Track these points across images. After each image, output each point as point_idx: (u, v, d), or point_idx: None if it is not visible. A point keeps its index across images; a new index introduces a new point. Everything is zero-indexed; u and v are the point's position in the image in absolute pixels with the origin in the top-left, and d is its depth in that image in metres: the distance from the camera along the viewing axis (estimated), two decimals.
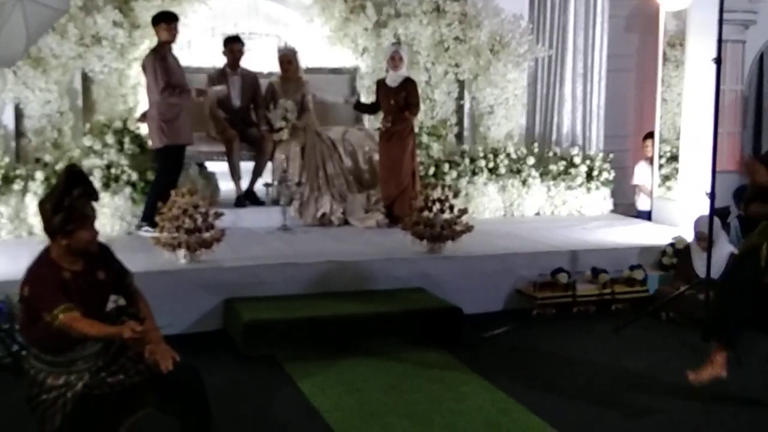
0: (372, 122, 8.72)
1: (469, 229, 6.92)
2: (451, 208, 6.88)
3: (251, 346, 5.67)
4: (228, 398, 4.84)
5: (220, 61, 8.30)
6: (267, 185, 8.10)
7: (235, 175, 8.15)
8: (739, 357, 5.65)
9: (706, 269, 6.22)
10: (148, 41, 7.86)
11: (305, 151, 8.25)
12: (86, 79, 8.04)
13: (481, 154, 8.78)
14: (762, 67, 10.01)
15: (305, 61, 8.60)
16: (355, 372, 5.41)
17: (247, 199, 8.18)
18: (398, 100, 7.97)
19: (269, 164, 8.27)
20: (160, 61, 7.20)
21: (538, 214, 9.10)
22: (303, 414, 4.76)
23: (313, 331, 5.84)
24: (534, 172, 8.97)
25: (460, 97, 8.99)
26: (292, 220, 7.92)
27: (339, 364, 5.54)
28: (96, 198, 3.62)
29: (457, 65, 8.78)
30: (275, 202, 8.01)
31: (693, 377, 4.94)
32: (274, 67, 8.50)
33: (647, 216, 9.09)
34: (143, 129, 7.77)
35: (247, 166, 8.23)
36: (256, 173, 8.26)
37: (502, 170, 8.83)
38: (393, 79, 8.02)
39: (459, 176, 8.63)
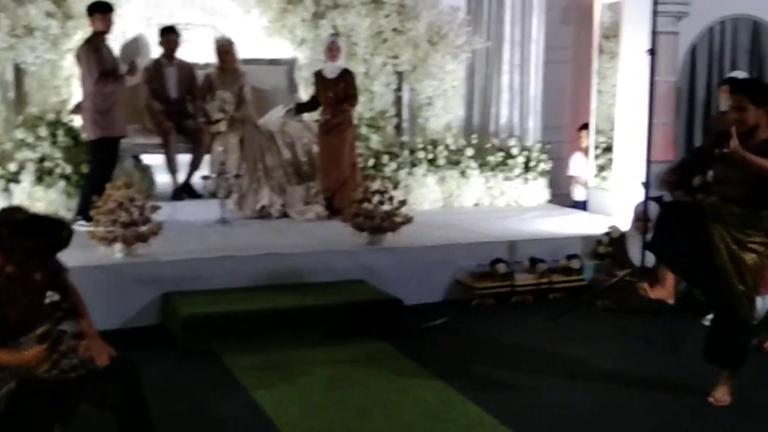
0: (311, 113, 8.66)
1: (408, 220, 6.93)
2: (391, 199, 6.89)
3: (190, 340, 5.62)
4: (167, 393, 4.78)
5: (155, 51, 8.17)
6: (204, 178, 8.00)
7: (172, 167, 8.04)
8: (674, 343, 5.79)
9: (641, 256, 6.33)
10: (81, 32, 7.71)
11: (243, 143, 8.17)
12: (18, 71, 7.85)
13: (420, 146, 8.80)
14: (694, 59, 10.19)
15: (243, 52, 8.51)
16: (296, 365, 5.38)
17: (184, 191, 8.08)
18: (336, 91, 7.94)
19: (207, 156, 8.16)
20: (94, 51, 7.07)
21: (476, 204, 9.15)
22: (243, 408, 4.72)
23: (252, 325, 5.80)
24: (472, 164, 9.02)
25: (399, 88, 8.99)
26: (231, 213, 7.84)
27: (280, 357, 5.51)
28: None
29: (395, 57, 8.78)
30: (213, 195, 7.91)
31: (645, 289, 4.95)
32: (211, 58, 8.39)
33: (583, 206, 9.21)
34: (77, 121, 7.62)
35: (184, 159, 8.12)
36: (194, 166, 8.15)
37: (441, 162, 8.86)
38: (331, 70, 7.99)
39: (398, 168, 8.64)
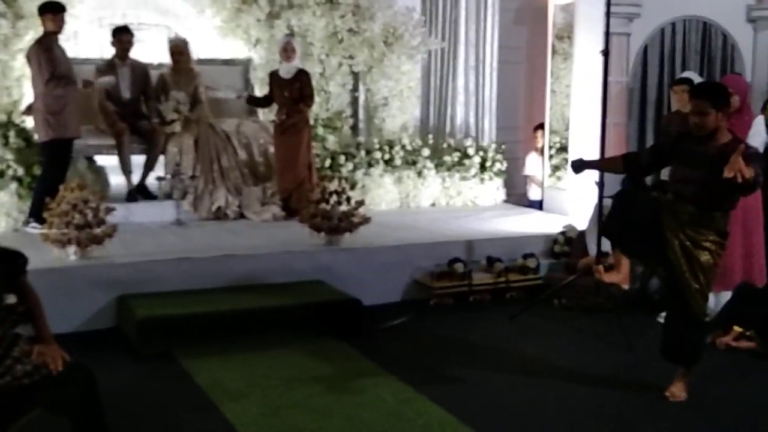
0: (266, 114, 8.63)
1: (366, 220, 6.94)
2: (348, 200, 6.88)
3: (146, 343, 5.55)
4: (123, 397, 4.72)
5: (108, 52, 8.07)
6: (159, 179, 7.94)
7: (126, 168, 7.95)
8: (630, 341, 5.86)
9: (596, 252, 6.42)
10: (32, 32, 7.59)
11: (198, 143, 8.12)
12: None
13: (377, 146, 8.81)
14: (646, 60, 10.32)
15: (197, 52, 8.46)
16: (254, 366, 5.35)
17: (138, 193, 8.01)
18: (292, 91, 7.91)
19: (161, 157, 8.10)
20: (45, 52, 6.96)
21: (433, 204, 9.18)
22: (202, 410, 4.68)
23: (210, 327, 5.76)
24: (429, 164, 9.05)
25: (355, 89, 8.98)
26: (186, 215, 7.79)
27: (237, 358, 5.47)
28: None
29: (351, 57, 8.78)
30: (168, 196, 7.85)
31: (601, 277, 4.99)
32: (165, 58, 8.32)
33: (538, 205, 9.29)
34: (29, 122, 7.50)
35: (138, 160, 8.04)
36: (148, 167, 8.08)
37: (398, 162, 8.88)
38: (286, 71, 7.96)
39: (355, 168, 8.64)
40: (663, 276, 5.08)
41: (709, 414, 4.75)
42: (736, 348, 5.79)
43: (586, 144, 8.38)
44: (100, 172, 7.95)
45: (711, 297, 6.26)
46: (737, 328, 5.87)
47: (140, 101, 8.23)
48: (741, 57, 10.24)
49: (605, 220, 5.40)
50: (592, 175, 6.75)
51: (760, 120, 6.21)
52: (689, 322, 4.83)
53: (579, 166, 5.36)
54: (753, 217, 6.25)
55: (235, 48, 8.84)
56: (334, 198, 6.85)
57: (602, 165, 5.90)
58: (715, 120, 4.68)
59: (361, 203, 6.99)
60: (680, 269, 4.72)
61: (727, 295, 6.20)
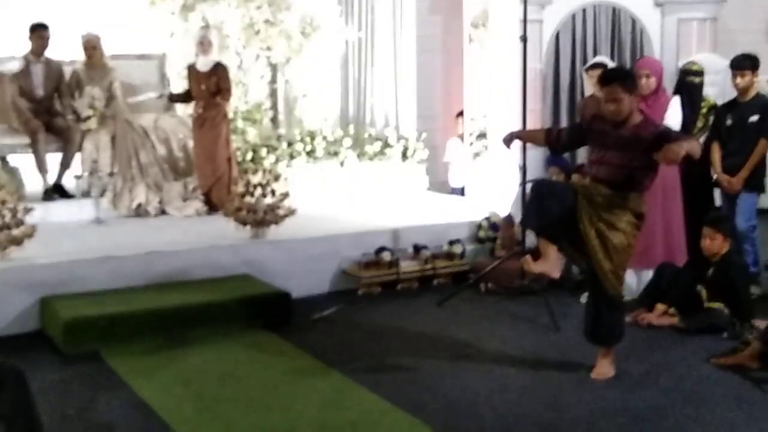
0: (184, 108, 8.51)
1: (291, 212, 6.91)
2: (273, 192, 6.84)
3: (73, 344, 5.42)
4: (52, 400, 4.62)
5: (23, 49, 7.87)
6: (77, 177, 7.77)
7: (42, 167, 7.77)
8: (556, 322, 5.98)
9: (522, 237, 6.52)
10: None
11: (116, 140, 7.97)
12: None
13: (298, 138, 8.77)
14: (558, 46, 10.50)
15: (111, 47, 8.29)
16: (185, 363, 5.29)
17: (55, 192, 7.83)
18: (209, 85, 7.83)
19: (78, 155, 7.92)
20: None
21: (357, 195, 9.17)
22: (134, 410, 4.60)
23: (137, 325, 5.66)
24: (351, 154, 9.05)
25: (274, 80, 8.93)
26: (106, 212, 7.65)
27: (167, 356, 5.40)
28: None
29: (269, 48, 8.71)
30: (86, 195, 7.69)
31: (528, 265, 5.09)
32: (78, 54, 8.13)
33: (461, 192, 9.37)
34: None
35: (54, 158, 7.86)
36: (64, 165, 7.91)
37: (320, 153, 8.85)
38: (203, 64, 7.88)
39: (277, 160, 8.58)
40: (580, 262, 5.18)
41: (638, 389, 4.87)
42: (658, 325, 5.94)
43: (504, 130, 8.46)
44: (14, 172, 7.75)
45: (633, 276, 6.47)
46: (660, 306, 6.03)
47: (54, 98, 8.04)
48: (650, 41, 10.50)
49: (523, 211, 5.48)
50: (515, 160, 6.86)
51: (676, 100, 6.39)
52: (605, 303, 4.93)
53: (509, 139, 5.42)
54: (672, 195, 6.42)
55: (149, 42, 8.68)
56: (258, 191, 6.80)
57: (527, 136, 5.96)
58: (629, 104, 4.79)
59: (286, 195, 6.95)
60: (594, 251, 4.81)
61: (648, 274, 6.36)
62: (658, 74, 6.42)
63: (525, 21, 6.74)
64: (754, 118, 6.54)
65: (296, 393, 4.81)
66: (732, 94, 6.88)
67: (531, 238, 6.68)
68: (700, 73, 7.18)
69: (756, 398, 4.72)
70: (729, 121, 6.66)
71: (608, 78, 4.89)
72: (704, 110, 7.02)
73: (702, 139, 6.80)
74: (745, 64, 6.60)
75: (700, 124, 6.96)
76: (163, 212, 7.91)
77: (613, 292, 4.90)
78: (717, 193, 7.05)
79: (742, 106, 6.63)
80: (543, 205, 4.88)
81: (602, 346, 5.08)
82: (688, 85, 7.10)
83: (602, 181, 4.84)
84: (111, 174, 7.80)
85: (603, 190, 4.82)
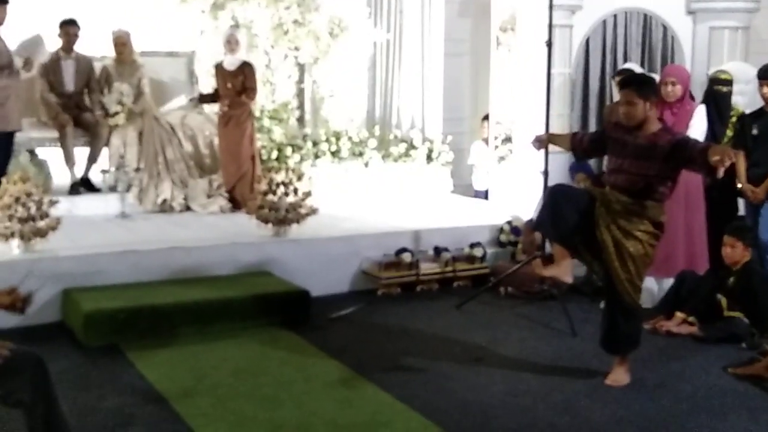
0: (211, 106, 8.57)
1: (313, 211, 6.94)
2: (296, 191, 6.88)
3: (93, 336, 5.49)
4: (71, 390, 4.68)
5: (54, 44, 7.95)
6: (103, 171, 7.85)
7: (70, 161, 7.85)
8: (574, 327, 5.96)
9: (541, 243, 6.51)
10: None
11: (143, 136, 8.04)
12: None
13: (324, 138, 8.80)
14: (588, 51, 10.45)
15: (140, 43, 8.37)
16: (202, 358, 5.34)
17: (82, 186, 7.91)
18: (235, 83, 7.89)
19: (105, 150, 8.01)
20: None
21: (380, 195, 9.19)
22: (150, 402, 4.65)
23: (157, 319, 5.71)
24: (376, 155, 9.07)
25: (301, 80, 8.97)
26: (132, 207, 7.72)
27: (186, 351, 5.45)
28: None
29: (296, 48, 8.76)
30: (112, 189, 7.75)
31: (540, 271, 5.10)
32: (109, 50, 8.22)
33: (484, 195, 9.36)
34: None
35: (81, 153, 7.94)
36: (92, 159, 7.99)
37: (345, 153, 8.88)
38: (230, 63, 7.93)
39: (302, 160, 8.62)
40: (597, 269, 5.16)
41: (652, 397, 4.85)
42: (677, 333, 5.91)
43: (530, 135, 8.44)
44: (42, 165, 7.82)
45: (654, 284, 6.44)
46: (680, 315, 5.99)
47: (84, 93, 8.13)
48: (681, 48, 10.42)
49: (537, 215, 5.48)
50: (538, 165, 6.85)
51: (701, 109, 6.35)
52: (621, 311, 4.91)
53: (539, 141, 5.44)
54: (695, 204, 6.39)
55: (179, 39, 8.76)
56: (281, 189, 6.84)
57: (555, 139, 5.92)
58: (643, 110, 4.78)
59: (308, 194, 6.99)
60: (610, 259, 4.80)
61: (669, 282, 6.32)
62: (684, 82, 6.39)
63: (550, 26, 6.74)
64: None
65: (310, 390, 4.84)
66: (761, 103, 6.81)
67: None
68: (728, 82, 7.13)
69: None
70: (755, 131, 6.60)
71: (624, 82, 4.93)
72: (734, 119, 6.96)
73: None
74: None
75: (729, 133, 6.91)
76: (187, 208, 7.96)
77: (629, 300, 4.88)
78: (741, 203, 6.98)
79: None
80: (558, 210, 4.87)
81: (617, 354, 5.05)
82: (716, 94, 7.06)
83: (620, 189, 4.83)
84: (137, 169, 7.88)
85: (621, 197, 4.80)
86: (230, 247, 6.67)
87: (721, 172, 4.42)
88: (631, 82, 4.90)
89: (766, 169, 6.47)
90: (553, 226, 4.92)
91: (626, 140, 4.83)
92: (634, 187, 4.78)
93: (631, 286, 4.84)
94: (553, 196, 4.96)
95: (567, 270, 4.98)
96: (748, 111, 7.19)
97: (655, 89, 5.01)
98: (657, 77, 8.46)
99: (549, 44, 6.74)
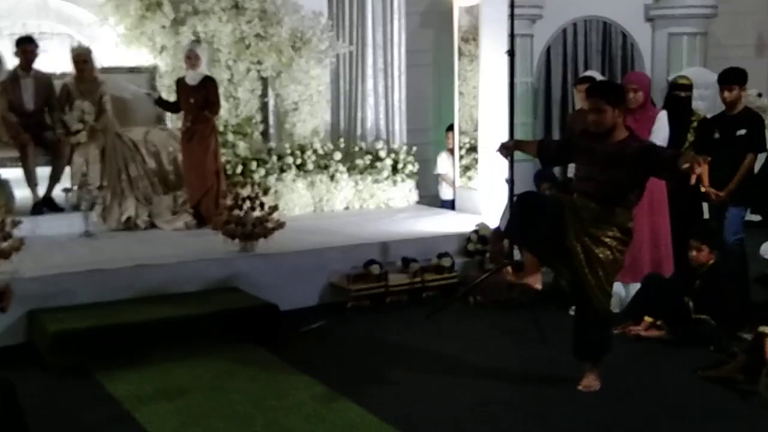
0: (174, 122, 8.52)
1: (280, 225, 6.91)
2: (262, 205, 6.84)
3: (59, 357, 5.42)
4: (38, 414, 4.58)
5: (11, 62, 7.87)
6: (66, 190, 7.75)
7: (31, 181, 7.74)
8: (544, 335, 5.98)
9: (509, 251, 6.53)
10: None
11: (105, 153, 7.95)
12: None
13: (288, 151, 8.77)
14: (549, 60, 10.56)
15: (101, 60, 8.30)
16: (172, 377, 5.28)
17: (45, 205, 7.80)
18: (198, 99, 7.83)
19: (67, 169, 7.91)
20: None
21: (347, 208, 9.18)
22: (120, 424, 4.60)
23: (125, 339, 5.65)
24: (341, 167, 9.05)
25: (264, 94, 8.93)
26: (95, 226, 7.63)
27: (155, 370, 5.39)
28: None
29: (259, 62, 8.71)
30: (76, 208, 7.66)
31: (511, 277, 5.12)
32: (68, 67, 8.13)
33: (451, 205, 9.38)
34: None
35: (43, 172, 7.84)
36: (54, 178, 7.88)
37: (310, 166, 8.85)
38: (192, 78, 7.87)
39: (267, 174, 8.58)
40: (566, 276, 5.19)
41: (624, 402, 4.88)
42: (645, 337, 5.95)
43: (495, 144, 8.47)
44: (4, 185, 7.73)
45: (621, 288, 6.49)
46: (648, 319, 6.03)
47: (44, 112, 8.04)
48: (640, 55, 10.58)
49: (507, 222, 5.49)
50: (503, 173, 6.87)
51: (663, 114, 6.42)
52: (592, 317, 4.92)
53: (505, 149, 5.44)
54: (659, 208, 6.45)
55: (140, 56, 8.69)
56: (247, 204, 6.80)
57: (522, 145, 5.94)
58: (612, 117, 4.80)
59: (274, 208, 6.96)
60: (580, 266, 4.82)
61: (636, 287, 6.37)
62: (645, 88, 6.46)
63: (512, 36, 6.77)
64: (742, 131, 6.56)
65: (282, 406, 4.81)
66: (722, 108, 6.91)
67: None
68: (687, 87, 7.20)
69: (742, 411, 4.73)
70: (717, 135, 6.68)
71: (593, 89, 4.95)
72: (694, 124, 7.04)
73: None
74: (732, 78, 6.62)
75: (691, 138, 6.98)
76: (152, 225, 7.89)
77: (600, 306, 4.90)
78: (705, 206, 7.06)
79: (730, 119, 6.65)
80: (527, 218, 4.90)
81: (589, 360, 5.07)
82: (675, 99, 7.13)
83: (589, 196, 4.85)
84: (100, 187, 7.79)
85: (590, 204, 4.83)
86: (197, 263, 6.61)
87: (693, 179, 4.46)
88: (599, 89, 4.92)
89: (728, 172, 6.55)
90: (523, 234, 4.94)
91: (594, 148, 4.86)
92: (603, 194, 4.80)
93: (601, 292, 4.86)
94: (522, 204, 4.98)
95: (537, 277, 5.01)
96: (709, 115, 7.28)
97: (623, 96, 5.05)
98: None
99: (511, 54, 6.77)
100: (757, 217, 8.81)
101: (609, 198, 4.82)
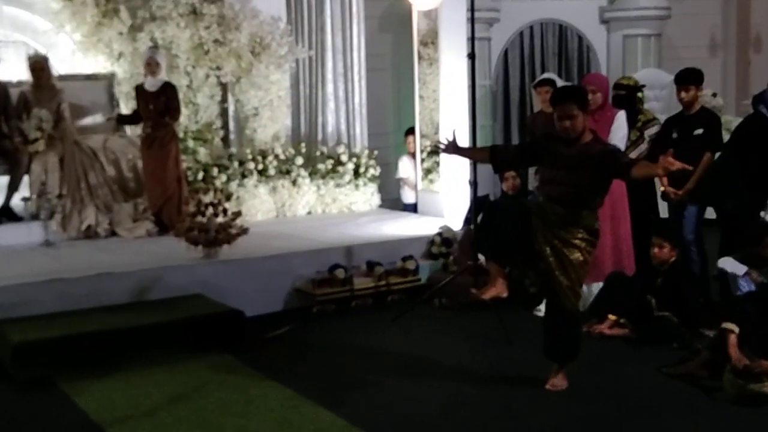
0: (134, 129, 8.44)
1: (244, 231, 6.88)
2: (225, 211, 6.81)
3: (23, 369, 5.33)
4: (2, 428, 4.55)
5: None
6: (25, 199, 7.66)
7: None
8: (510, 335, 6.02)
9: (473, 252, 6.57)
10: None
11: (64, 161, 7.87)
12: None
13: (250, 157, 8.74)
14: (507, 63, 10.64)
15: (58, 68, 8.21)
16: (138, 386, 5.23)
17: (3, 215, 7.70)
18: (157, 105, 7.78)
19: (26, 177, 7.81)
20: None
21: (309, 213, 9.18)
22: None
23: (89, 348, 5.58)
24: (303, 172, 9.05)
25: (224, 100, 8.89)
26: (55, 235, 7.54)
27: (120, 379, 5.34)
28: None
29: (218, 68, 8.67)
30: (35, 217, 7.58)
31: (477, 293, 5.17)
32: (25, 75, 8.03)
33: (413, 208, 9.41)
34: None
35: (1, 181, 7.74)
36: (12, 188, 7.78)
37: (272, 171, 8.83)
38: (152, 84, 7.83)
39: (228, 180, 8.54)
40: (533, 278, 5.25)
41: (591, 400, 4.93)
42: (610, 335, 6.01)
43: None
44: None
45: (584, 288, 6.53)
46: (611, 317, 6.10)
47: (1, 121, 7.92)
48: (596, 57, 10.70)
49: (476, 235, 5.53)
50: (466, 175, 6.91)
51: (622, 114, 6.50)
52: (563, 319, 4.97)
53: (454, 147, 5.42)
54: (620, 208, 6.52)
55: (97, 62, 8.61)
56: (210, 210, 6.76)
57: (471, 153, 5.98)
58: (582, 122, 4.85)
59: (238, 214, 6.93)
60: (550, 268, 4.87)
61: (599, 286, 6.43)
62: (604, 89, 6.53)
63: (473, 38, 6.80)
64: (699, 131, 6.65)
65: (250, 412, 4.79)
66: (677, 108, 7.01)
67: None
68: (625, 87, 7.28)
69: (706, 407, 4.80)
70: (675, 134, 6.78)
71: (563, 96, 4.93)
72: (639, 124, 7.13)
73: (643, 152, 6.93)
74: (689, 78, 6.71)
75: (633, 137, 7.06)
76: (113, 234, 7.82)
77: (571, 307, 4.95)
78: (663, 205, 7.15)
79: (688, 119, 6.75)
80: (495, 229, 4.95)
81: (562, 362, 5.10)
82: (615, 98, 7.20)
83: (555, 200, 4.89)
84: (60, 196, 7.71)
85: (556, 208, 4.87)
86: (160, 271, 6.56)
87: (664, 182, 4.53)
88: (570, 95, 4.91)
89: (685, 170, 6.63)
90: (492, 246, 5.00)
91: (559, 151, 4.90)
92: (569, 197, 4.84)
93: (572, 293, 4.92)
94: (489, 216, 5.03)
95: (503, 286, 5.07)
96: (664, 116, 7.38)
97: (588, 100, 5.10)
98: None
99: (472, 57, 6.80)
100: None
101: (575, 201, 4.86)
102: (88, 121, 8.36)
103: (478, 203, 6.85)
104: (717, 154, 6.73)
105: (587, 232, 4.90)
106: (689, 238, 6.71)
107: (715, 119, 6.81)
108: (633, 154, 6.78)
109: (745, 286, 6.03)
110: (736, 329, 4.95)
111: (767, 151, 6.57)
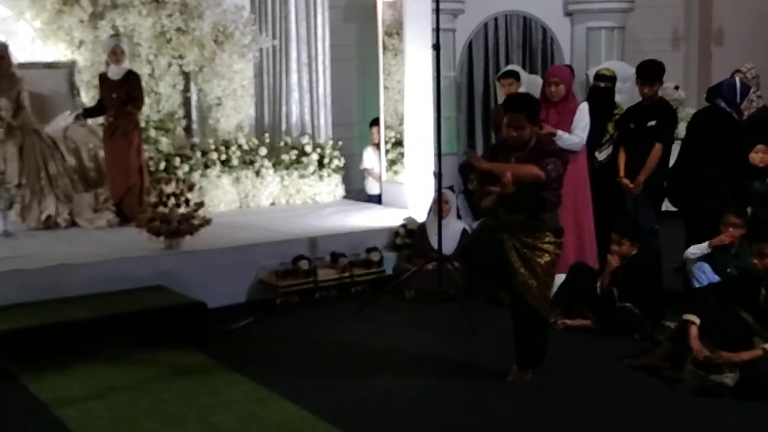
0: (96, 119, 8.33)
1: (207, 222, 6.82)
2: (187, 202, 6.75)
3: None
4: None
5: None
6: None
7: None
8: (475, 327, 6.03)
9: (438, 244, 6.57)
10: None
11: (24, 151, 7.75)
12: None
13: (213, 147, 8.67)
14: (471, 54, 10.63)
15: (18, 56, 8.07)
16: (99, 378, 5.18)
17: None
18: (121, 93, 7.69)
19: None
20: None
21: (273, 203, 9.13)
22: (47, 427, 4.49)
23: (49, 340, 5.51)
24: (267, 163, 9.00)
25: (187, 89, 8.80)
26: (14, 225, 7.43)
27: (81, 371, 5.28)
28: None
29: (181, 57, 8.58)
30: None
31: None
32: None
33: (377, 200, 9.40)
34: None
35: None
36: None
37: (235, 162, 8.77)
38: (115, 72, 7.73)
39: (191, 170, 8.46)
40: (508, 293, 5.27)
41: (554, 391, 4.95)
42: (572, 327, 6.04)
43: (420, 138, 8.54)
44: None
45: None
46: (575, 308, 6.13)
47: None
48: (560, 49, 10.71)
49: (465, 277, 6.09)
50: (429, 167, 6.90)
51: (584, 105, 6.52)
52: (534, 324, 4.99)
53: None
54: (582, 198, 6.56)
55: (57, 50, 8.48)
56: (172, 201, 6.70)
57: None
58: (530, 133, 4.85)
59: (200, 205, 6.87)
60: (522, 279, 4.88)
61: (562, 277, 6.45)
62: (567, 82, 6.56)
63: (438, 29, 6.78)
64: (652, 122, 6.68)
65: (213, 405, 4.75)
66: (639, 100, 7.04)
67: (448, 245, 6.76)
68: (607, 78, 7.30)
69: (668, 398, 4.84)
70: (632, 125, 6.82)
71: (515, 106, 4.90)
72: (617, 117, 7.15)
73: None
74: (653, 74, 6.74)
75: (611, 130, 7.09)
76: (73, 224, 7.73)
77: (542, 311, 4.98)
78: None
79: (644, 110, 6.78)
80: (477, 263, 5.14)
81: (535, 366, 5.11)
82: (594, 89, 7.25)
83: (514, 209, 4.86)
84: (19, 185, 7.60)
85: (518, 217, 4.86)
86: (121, 262, 6.49)
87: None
88: (520, 107, 4.88)
89: (641, 163, 6.67)
90: (482, 278, 5.13)
91: (509, 160, 4.88)
92: (528, 205, 4.82)
93: (542, 296, 4.94)
94: (467, 254, 5.29)
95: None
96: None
97: (539, 111, 5.11)
98: (539, 78, 8.71)
99: (437, 48, 6.78)
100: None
101: (535, 207, 4.84)
102: (57, 124, 8.20)
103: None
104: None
105: (554, 234, 4.92)
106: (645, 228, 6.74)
107: (668, 111, 6.86)
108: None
109: (703, 278, 6.11)
110: (698, 320, 4.99)
111: (738, 145, 6.57)
